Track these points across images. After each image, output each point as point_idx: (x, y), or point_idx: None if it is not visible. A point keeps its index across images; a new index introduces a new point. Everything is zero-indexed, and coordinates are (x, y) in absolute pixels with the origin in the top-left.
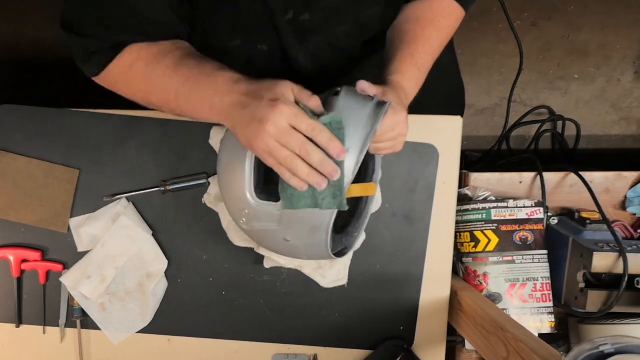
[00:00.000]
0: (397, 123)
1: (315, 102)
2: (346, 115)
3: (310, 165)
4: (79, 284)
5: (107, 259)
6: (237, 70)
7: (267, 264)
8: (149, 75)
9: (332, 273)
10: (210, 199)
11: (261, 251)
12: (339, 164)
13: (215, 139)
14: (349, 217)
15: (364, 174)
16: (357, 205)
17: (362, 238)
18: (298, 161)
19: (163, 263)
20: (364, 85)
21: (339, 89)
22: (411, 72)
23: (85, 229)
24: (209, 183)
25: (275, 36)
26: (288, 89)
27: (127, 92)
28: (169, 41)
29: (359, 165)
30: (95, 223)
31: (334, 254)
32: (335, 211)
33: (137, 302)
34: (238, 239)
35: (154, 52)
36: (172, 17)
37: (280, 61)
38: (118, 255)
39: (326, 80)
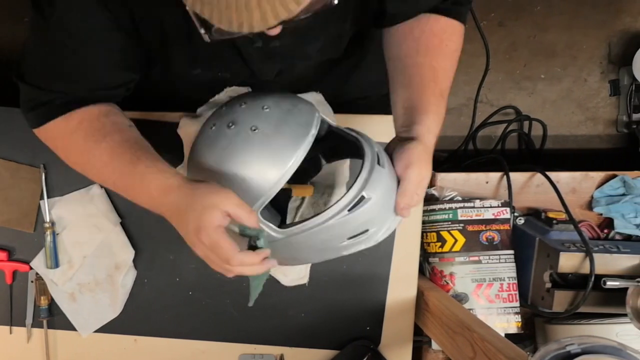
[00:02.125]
0: (422, 179)
1: (252, 220)
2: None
3: None
4: (45, 267)
5: (75, 246)
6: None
7: None
8: (86, 152)
9: (294, 271)
10: None
11: None
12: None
13: (184, 129)
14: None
15: (305, 177)
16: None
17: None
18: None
19: (130, 252)
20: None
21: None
22: (431, 119)
23: (56, 212)
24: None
25: (241, 62)
26: (214, 214)
27: (65, 157)
28: (113, 113)
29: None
30: (66, 206)
31: None
32: None
33: (106, 292)
34: None
35: (94, 127)
36: (122, 75)
37: (248, 78)
38: (85, 243)
39: (295, 88)
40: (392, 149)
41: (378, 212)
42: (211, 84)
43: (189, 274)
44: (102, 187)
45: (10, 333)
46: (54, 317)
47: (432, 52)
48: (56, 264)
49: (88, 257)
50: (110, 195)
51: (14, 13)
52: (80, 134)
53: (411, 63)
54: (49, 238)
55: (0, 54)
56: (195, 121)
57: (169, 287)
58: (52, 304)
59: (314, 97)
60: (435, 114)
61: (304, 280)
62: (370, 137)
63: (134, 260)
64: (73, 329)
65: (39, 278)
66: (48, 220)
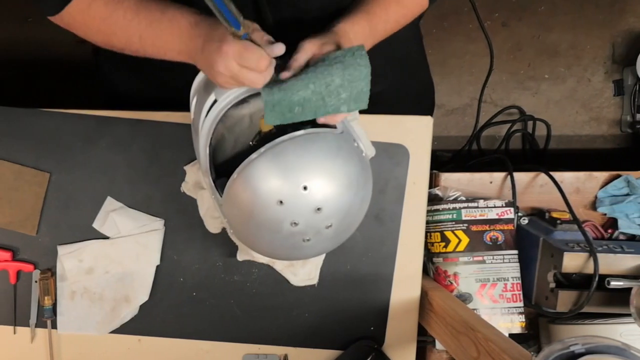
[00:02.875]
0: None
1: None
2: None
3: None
4: (69, 257)
5: (105, 258)
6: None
7: (239, 257)
8: (109, 16)
9: (304, 271)
10: (188, 186)
11: (235, 239)
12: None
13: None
14: None
15: None
16: None
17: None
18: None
19: (145, 296)
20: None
21: None
22: (361, 25)
23: (114, 216)
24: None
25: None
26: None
27: (86, 33)
28: None
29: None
30: (126, 219)
31: None
32: None
33: (103, 312)
34: (214, 227)
35: None
36: None
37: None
38: (117, 262)
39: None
40: None
41: None
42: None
43: (193, 275)
44: (164, 225)
45: (14, 333)
46: (57, 318)
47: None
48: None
49: (110, 274)
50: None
51: (18, 13)
52: (99, 3)
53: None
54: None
55: (6, 54)
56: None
57: (173, 287)
58: (56, 304)
59: None
60: (362, 24)
61: (314, 281)
62: None
63: None
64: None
65: (42, 278)
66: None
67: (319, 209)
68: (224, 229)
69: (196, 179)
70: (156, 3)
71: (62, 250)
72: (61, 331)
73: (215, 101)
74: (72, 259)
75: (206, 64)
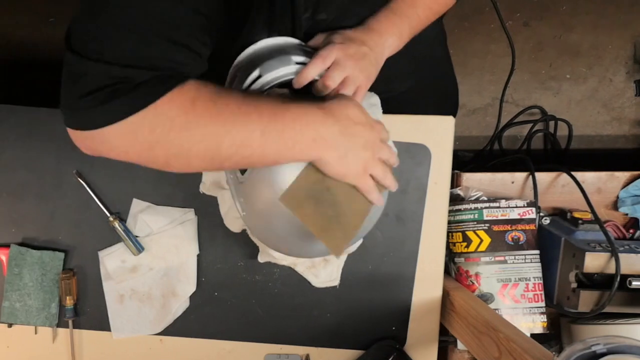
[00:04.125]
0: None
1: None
2: None
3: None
4: (111, 258)
5: (146, 255)
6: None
7: (261, 259)
8: (220, 114)
9: (325, 273)
10: (206, 186)
11: (254, 238)
12: None
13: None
14: None
15: None
16: None
17: (359, 242)
18: (387, 171)
19: (192, 287)
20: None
21: None
22: (392, 22)
23: (144, 217)
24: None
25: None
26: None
27: (175, 146)
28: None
29: None
30: (155, 216)
31: None
32: None
33: (154, 310)
34: (235, 227)
35: (210, 89)
36: (205, 47)
37: None
38: (159, 257)
39: None
40: None
41: None
42: None
43: (215, 274)
44: (195, 213)
45: (36, 333)
46: (79, 317)
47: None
48: (140, 248)
49: (154, 270)
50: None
51: (41, 14)
52: (204, 98)
53: None
54: (120, 228)
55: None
56: None
57: (195, 287)
58: (77, 304)
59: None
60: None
61: (335, 282)
62: None
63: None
64: (99, 328)
65: (64, 278)
66: (110, 214)
67: None
68: (244, 229)
69: (213, 179)
70: (266, 98)
71: (102, 253)
72: (116, 336)
73: (259, 76)
74: (114, 260)
75: (360, 146)
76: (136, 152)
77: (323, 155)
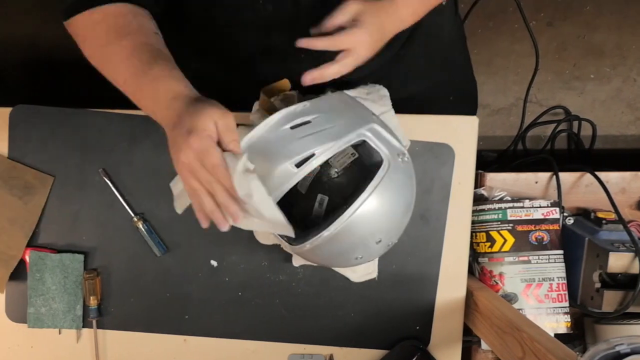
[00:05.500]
0: (356, 40)
1: (233, 146)
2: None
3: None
4: None
5: None
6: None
7: (295, 263)
8: (105, 46)
9: (362, 267)
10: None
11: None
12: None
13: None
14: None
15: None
16: None
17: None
18: (204, 195)
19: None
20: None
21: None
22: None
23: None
24: None
25: None
26: (209, 122)
27: (83, 48)
28: (141, 15)
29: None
30: None
31: None
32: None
33: None
34: (265, 239)
35: (119, 24)
36: None
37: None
38: None
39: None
40: None
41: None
42: (252, 22)
43: (238, 274)
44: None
45: (59, 333)
46: (103, 317)
47: None
48: (163, 249)
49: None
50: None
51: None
52: (102, 27)
53: None
54: (143, 229)
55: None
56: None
57: (219, 287)
58: (101, 304)
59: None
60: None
61: (373, 274)
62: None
63: (185, 262)
64: (123, 328)
65: (88, 278)
66: (134, 215)
67: (379, 241)
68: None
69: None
70: (149, 55)
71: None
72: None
73: (312, 155)
74: None
75: (172, 145)
76: (81, 47)
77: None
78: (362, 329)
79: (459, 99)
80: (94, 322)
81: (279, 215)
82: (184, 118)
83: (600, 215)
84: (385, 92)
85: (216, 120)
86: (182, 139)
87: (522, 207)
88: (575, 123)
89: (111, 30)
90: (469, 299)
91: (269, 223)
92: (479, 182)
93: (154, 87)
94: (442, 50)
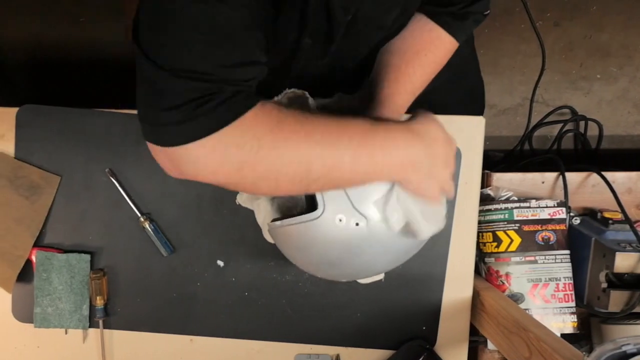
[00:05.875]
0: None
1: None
2: None
3: None
4: None
5: None
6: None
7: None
8: (308, 135)
9: None
10: (242, 198)
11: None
12: None
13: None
14: None
15: None
16: None
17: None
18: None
19: None
20: None
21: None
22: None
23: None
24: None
25: (325, 30)
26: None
27: (264, 166)
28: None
29: None
30: None
31: None
32: None
33: None
34: (271, 238)
35: (291, 109)
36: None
37: (322, 47)
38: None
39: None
40: None
41: None
42: (290, 53)
43: (245, 275)
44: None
45: (66, 333)
46: (109, 317)
47: (410, 56)
48: (170, 249)
49: None
50: (167, 202)
51: (71, 13)
52: (290, 119)
53: (384, 60)
54: (150, 229)
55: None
56: None
57: (225, 287)
58: (108, 304)
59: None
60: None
61: (380, 276)
62: None
63: (191, 262)
64: (129, 328)
65: (94, 278)
66: (140, 215)
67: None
68: None
69: None
70: (352, 121)
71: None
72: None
73: None
74: None
75: (430, 163)
76: (224, 172)
77: (409, 176)
78: (369, 329)
79: (466, 99)
80: (101, 322)
81: None
82: (436, 148)
83: (606, 215)
84: None
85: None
86: (445, 166)
87: (529, 207)
88: (582, 123)
89: (293, 128)
90: (476, 299)
91: None
92: (485, 182)
93: (388, 144)
94: None
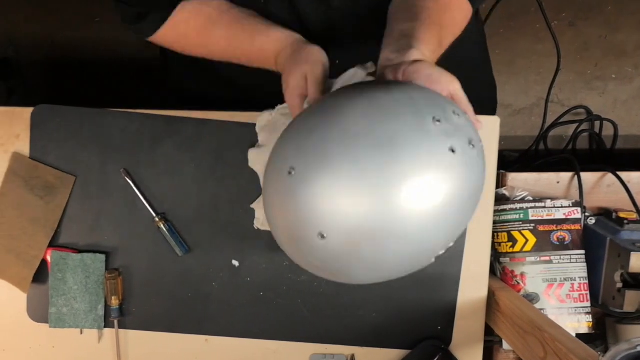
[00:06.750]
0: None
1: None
2: None
3: None
4: None
5: None
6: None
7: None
8: (203, 46)
9: None
10: (261, 221)
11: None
12: None
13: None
14: None
15: None
16: None
17: None
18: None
19: None
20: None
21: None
22: (433, 44)
23: None
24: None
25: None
26: (300, 79)
27: (183, 48)
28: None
29: None
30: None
31: None
32: None
33: None
34: None
35: (200, 23)
36: None
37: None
38: None
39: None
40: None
41: None
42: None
43: (260, 275)
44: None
45: (81, 333)
46: (125, 317)
47: (440, 4)
48: (186, 249)
49: None
50: (177, 200)
51: (85, 13)
52: (192, 34)
53: (419, 4)
54: (165, 229)
55: (74, 54)
56: (261, 151)
57: (240, 287)
58: (123, 304)
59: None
60: (433, 51)
61: None
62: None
63: (206, 261)
64: (144, 328)
65: (109, 278)
66: (155, 215)
67: None
68: None
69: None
70: (243, 30)
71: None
72: None
73: None
74: None
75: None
76: (175, 48)
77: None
78: (384, 328)
79: (478, 100)
80: (116, 322)
81: None
82: (286, 66)
83: (621, 215)
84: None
85: (307, 74)
86: (284, 80)
87: (544, 207)
88: (597, 123)
89: (200, 31)
90: (491, 299)
91: None
92: (500, 182)
93: (262, 54)
94: (460, 50)
